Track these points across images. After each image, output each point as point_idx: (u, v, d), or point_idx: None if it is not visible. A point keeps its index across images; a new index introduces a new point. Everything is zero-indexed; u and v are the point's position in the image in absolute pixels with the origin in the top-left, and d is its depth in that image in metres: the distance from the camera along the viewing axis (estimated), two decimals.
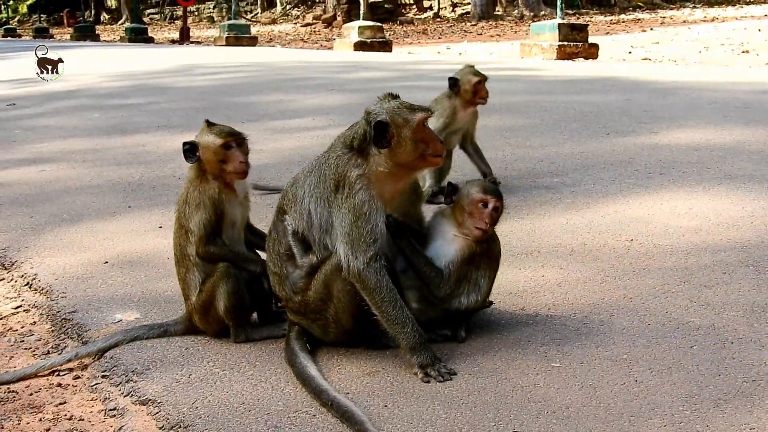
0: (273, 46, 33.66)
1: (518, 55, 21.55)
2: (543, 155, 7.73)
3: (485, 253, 3.68)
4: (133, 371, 3.55)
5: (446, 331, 3.70)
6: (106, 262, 5.06)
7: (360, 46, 25.98)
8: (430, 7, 48.22)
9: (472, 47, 27.53)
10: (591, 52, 20.43)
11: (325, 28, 43.64)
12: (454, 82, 6.21)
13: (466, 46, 28.29)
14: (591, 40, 21.14)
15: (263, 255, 3.80)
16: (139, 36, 39.25)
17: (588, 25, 22.44)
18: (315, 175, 3.53)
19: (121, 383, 3.48)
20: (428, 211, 3.97)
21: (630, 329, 3.77)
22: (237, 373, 3.48)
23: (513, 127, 9.18)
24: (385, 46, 26.52)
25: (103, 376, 3.60)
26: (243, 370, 3.51)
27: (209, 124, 3.88)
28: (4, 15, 73.78)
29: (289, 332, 3.66)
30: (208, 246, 3.78)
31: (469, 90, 6.20)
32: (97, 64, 20.91)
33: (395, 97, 3.57)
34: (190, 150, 3.82)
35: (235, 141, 3.82)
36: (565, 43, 20.24)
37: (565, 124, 9.36)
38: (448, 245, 3.66)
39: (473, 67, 6.35)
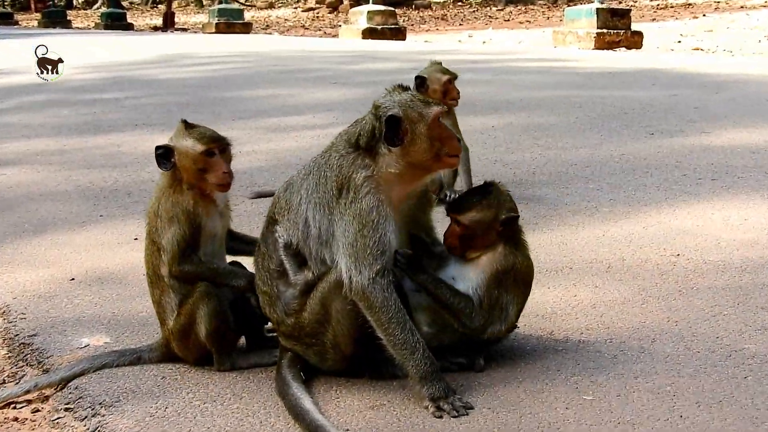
0: (270, 33, 33.80)
1: (551, 44, 21.62)
2: (577, 158, 7.72)
3: (509, 272, 3.63)
4: (100, 404, 3.53)
5: (462, 359, 3.67)
6: (73, 279, 5.07)
7: (369, 34, 26.09)
8: None
9: (498, 35, 27.58)
10: (634, 40, 20.46)
11: (330, 13, 43.82)
12: (421, 82, 6.14)
13: (491, 33, 28.34)
14: (634, 27, 21.18)
15: (250, 261, 3.76)
16: (116, 22, 39.63)
17: (631, 10, 22.50)
18: (313, 178, 3.51)
19: (86, 417, 3.47)
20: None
21: (674, 357, 3.74)
22: (220, 406, 3.46)
23: (543, 126, 9.17)
24: (398, 33, 26.63)
25: (66, 409, 3.59)
26: (227, 402, 3.49)
27: (187, 125, 3.80)
28: None
29: (280, 359, 3.65)
30: (182, 265, 3.73)
31: (438, 90, 6.17)
32: (67, 53, 20.93)
33: (406, 89, 3.57)
34: (164, 155, 3.76)
35: (218, 147, 3.76)
36: (605, 30, 20.28)
37: (602, 122, 9.34)
38: (467, 264, 3.65)
39: (440, 63, 6.34)
